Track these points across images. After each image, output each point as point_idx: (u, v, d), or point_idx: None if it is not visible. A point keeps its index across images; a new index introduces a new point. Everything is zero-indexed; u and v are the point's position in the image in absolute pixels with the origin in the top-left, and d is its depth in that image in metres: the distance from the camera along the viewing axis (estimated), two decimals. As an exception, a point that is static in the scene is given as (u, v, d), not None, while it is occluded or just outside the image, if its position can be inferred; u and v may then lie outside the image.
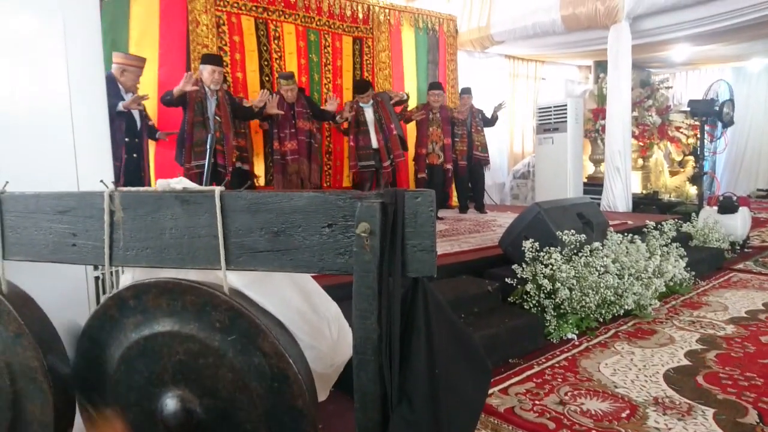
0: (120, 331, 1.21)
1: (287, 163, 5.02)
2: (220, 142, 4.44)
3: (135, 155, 4.13)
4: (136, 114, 4.13)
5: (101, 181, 1.31)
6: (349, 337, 1.48)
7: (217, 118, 4.44)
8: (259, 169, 5.69)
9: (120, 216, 1.26)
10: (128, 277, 1.34)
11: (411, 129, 6.20)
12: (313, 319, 1.38)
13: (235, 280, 1.22)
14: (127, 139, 4.01)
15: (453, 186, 6.85)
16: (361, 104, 5.50)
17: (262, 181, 5.66)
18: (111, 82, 3.92)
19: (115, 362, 1.22)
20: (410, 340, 1.11)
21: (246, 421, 1.15)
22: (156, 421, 1.19)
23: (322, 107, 5.40)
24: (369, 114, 5.50)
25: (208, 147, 4.27)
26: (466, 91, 6.45)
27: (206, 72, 4.42)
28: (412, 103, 6.40)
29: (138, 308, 1.20)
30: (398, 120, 5.79)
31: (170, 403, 1.17)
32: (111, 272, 1.32)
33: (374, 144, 5.49)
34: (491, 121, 6.57)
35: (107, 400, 1.25)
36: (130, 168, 4.05)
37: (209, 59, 4.54)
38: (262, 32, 5.78)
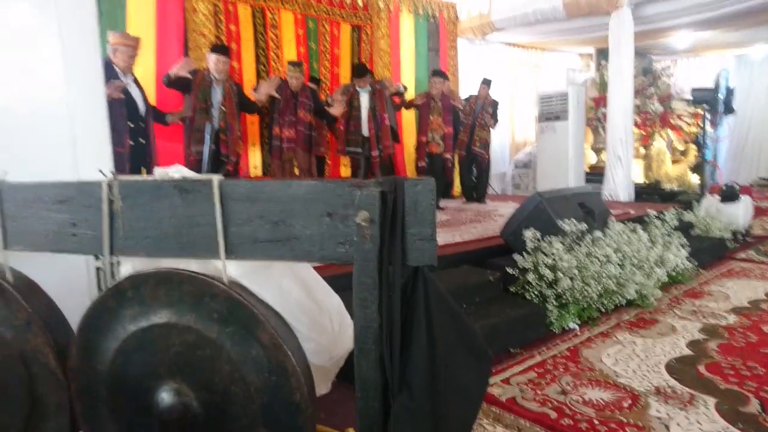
0: (118, 322, 1.20)
1: (283, 150, 5.00)
2: (224, 132, 4.42)
3: (141, 140, 4.00)
4: (138, 98, 4.03)
5: (99, 170, 1.29)
6: (351, 330, 1.47)
7: (223, 108, 4.42)
8: (255, 158, 5.65)
9: (119, 205, 1.24)
10: (128, 267, 1.32)
11: (412, 117, 6.14)
12: (313, 311, 1.36)
13: (234, 270, 1.20)
14: (131, 125, 3.88)
15: (455, 175, 6.82)
16: (357, 88, 5.36)
17: (259, 171, 5.63)
18: (108, 67, 3.74)
19: (111, 355, 1.21)
20: (410, 329, 1.10)
21: (242, 416, 1.14)
22: (152, 415, 1.18)
23: (325, 108, 5.22)
24: (365, 100, 5.35)
25: (207, 135, 4.27)
26: (485, 82, 6.22)
27: (211, 61, 4.46)
28: (411, 92, 6.31)
29: (136, 299, 1.18)
30: (394, 111, 5.71)
31: (166, 396, 1.16)
32: (111, 263, 1.31)
33: (365, 131, 5.34)
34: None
35: (102, 394, 1.24)
36: (136, 154, 3.92)
37: (215, 49, 4.58)
38: (258, 21, 5.73)
